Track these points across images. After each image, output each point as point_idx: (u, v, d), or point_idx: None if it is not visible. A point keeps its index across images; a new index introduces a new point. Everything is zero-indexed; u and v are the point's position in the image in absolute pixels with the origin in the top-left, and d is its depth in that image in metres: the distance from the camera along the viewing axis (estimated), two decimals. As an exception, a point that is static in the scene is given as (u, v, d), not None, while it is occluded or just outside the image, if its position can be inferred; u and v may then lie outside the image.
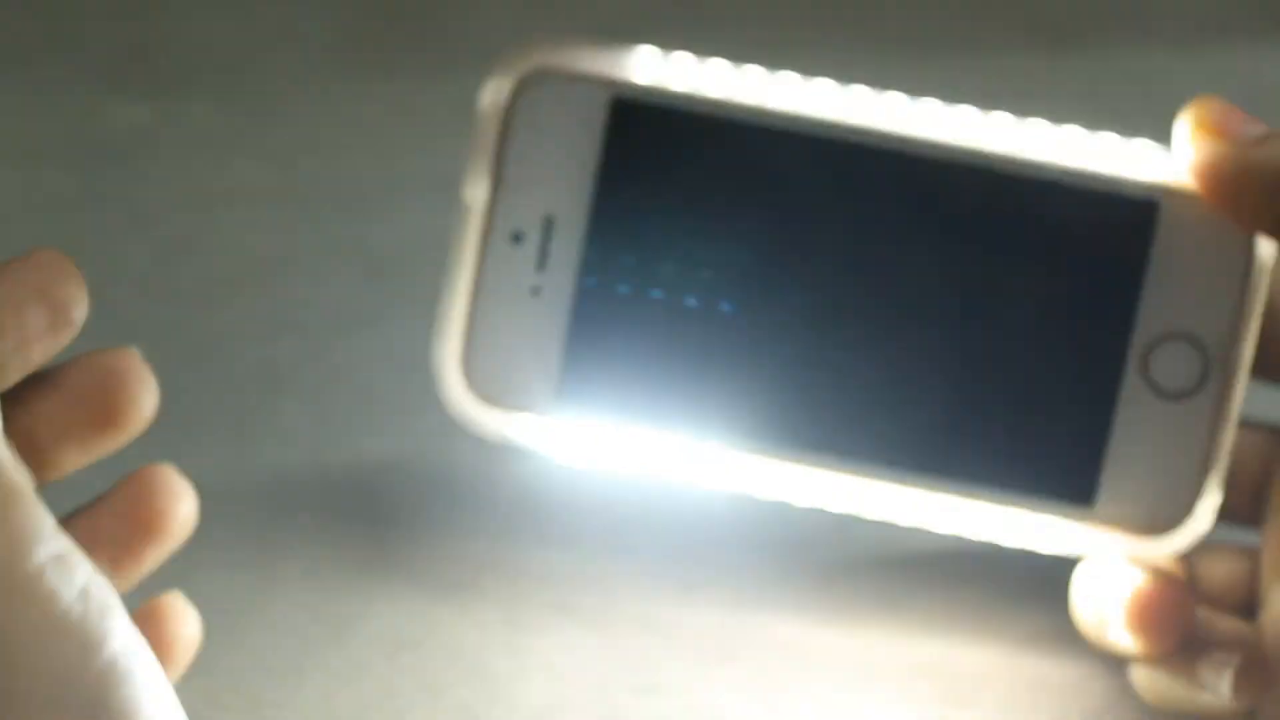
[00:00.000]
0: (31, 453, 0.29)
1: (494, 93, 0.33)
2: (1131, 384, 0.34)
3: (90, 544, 0.29)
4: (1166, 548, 0.34)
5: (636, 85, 0.34)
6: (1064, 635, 0.37)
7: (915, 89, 0.59)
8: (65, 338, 0.29)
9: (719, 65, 0.34)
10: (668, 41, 0.61)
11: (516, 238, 0.34)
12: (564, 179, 0.33)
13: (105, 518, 0.30)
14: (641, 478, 0.35)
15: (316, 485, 0.40)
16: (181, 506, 0.31)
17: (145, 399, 0.31)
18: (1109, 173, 0.34)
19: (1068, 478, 0.34)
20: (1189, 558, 0.35)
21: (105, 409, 0.30)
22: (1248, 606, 0.35)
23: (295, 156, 0.52)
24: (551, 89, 0.33)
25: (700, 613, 0.38)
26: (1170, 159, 0.34)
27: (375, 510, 0.40)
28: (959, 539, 0.37)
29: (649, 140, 0.34)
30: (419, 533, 0.40)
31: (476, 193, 0.33)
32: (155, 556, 0.31)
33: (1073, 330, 0.34)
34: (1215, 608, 0.35)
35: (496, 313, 0.34)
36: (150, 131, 0.53)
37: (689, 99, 0.34)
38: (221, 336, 0.46)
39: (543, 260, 0.34)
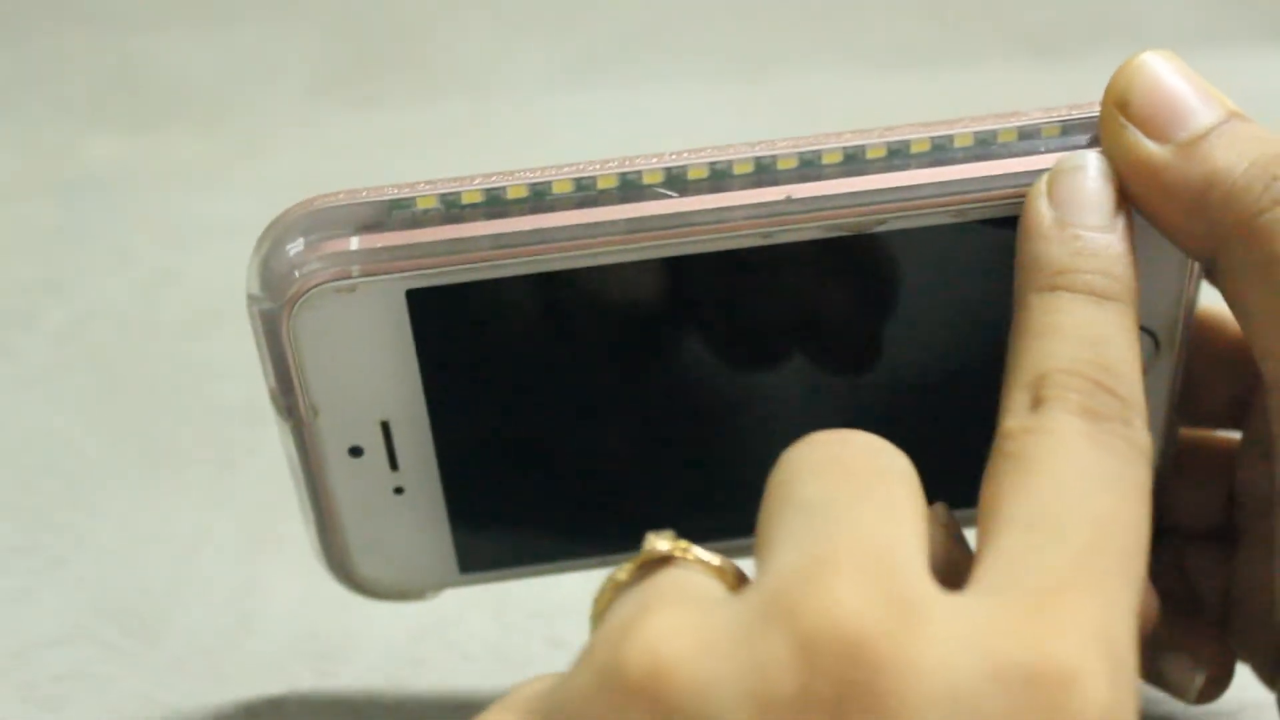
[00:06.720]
0: None
1: (274, 323, 0.30)
2: None
3: None
4: None
5: (421, 270, 0.30)
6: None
7: (903, 102, 0.59)
8: None
9: (486, 209, 0.30)
10: (651, 65, 0.61)
11: (355, 451, 0.32)
12: (382, 382, 0.31)
13: None
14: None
15: (299, 515, 0.39)
16: None
17: None
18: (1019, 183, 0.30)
19: None
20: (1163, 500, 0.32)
21: None
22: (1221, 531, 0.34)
23: (277, 188, 0.52)
24: (331, 304, 0.30)
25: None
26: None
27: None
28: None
29: (454, 319, 0.31)
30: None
31: (294, 424, 0.31)
32: None
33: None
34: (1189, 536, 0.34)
35: (369, 518, 0.33)
36: (131, 164, 0.53)
37: (477, 267, 0.30)
38: (203, 369, 0.45)
39: (394, 461, 0.32)
